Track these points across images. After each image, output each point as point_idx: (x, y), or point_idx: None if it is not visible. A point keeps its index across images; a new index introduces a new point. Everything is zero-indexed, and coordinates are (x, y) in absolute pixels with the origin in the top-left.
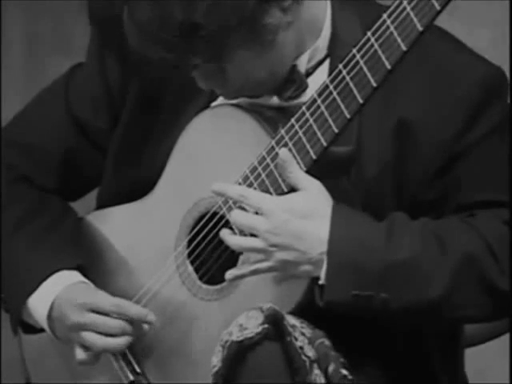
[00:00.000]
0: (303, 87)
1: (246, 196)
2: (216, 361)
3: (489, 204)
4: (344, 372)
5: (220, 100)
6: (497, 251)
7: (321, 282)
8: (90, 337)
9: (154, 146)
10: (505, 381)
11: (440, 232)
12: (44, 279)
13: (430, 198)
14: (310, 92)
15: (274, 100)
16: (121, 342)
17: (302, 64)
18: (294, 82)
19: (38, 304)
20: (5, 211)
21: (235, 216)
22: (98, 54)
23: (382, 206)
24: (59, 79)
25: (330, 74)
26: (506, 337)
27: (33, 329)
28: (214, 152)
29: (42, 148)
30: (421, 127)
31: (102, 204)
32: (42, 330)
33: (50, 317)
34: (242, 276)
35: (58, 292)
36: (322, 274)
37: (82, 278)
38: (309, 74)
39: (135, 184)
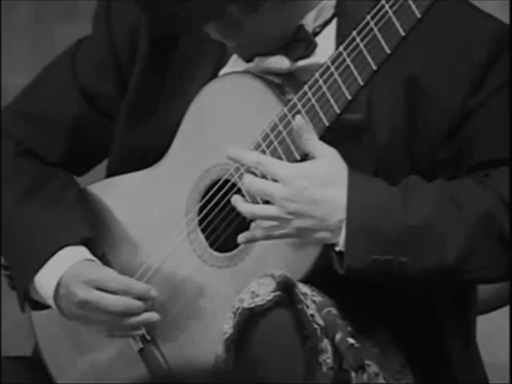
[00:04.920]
0: (312, 46)
1: (263, 163)
2: (227, 328)
3: (503, 162)
4: (351, 341)
5: (228, 68)
6: None
7: (339, 248)
8: (96, 318)
9: (163, 112)
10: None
11: (455, 193)
12: (50, 256)
13: (442, 158)
14: (319, 51)
15: (285, 63)
16: (128, 323)
17: (309, 23)
18: (302, 41)
19: (45, 282)
20: (8, 186)
21: (250, 182)
22: (104, 19)
23: (394, 170)
24: (66, 51)
25: (337, 34)
26: None
27: (40, 305)
28: (225, 120)
29: (50, 118)
30: (431, 87)
31: (111, 173)
32: (49, 307)
33: (56, 294)
34: (255, 240)
35: (64, 269)
36: (341, 240)
37: (89, 255)
38: (316, 33)
39: (144, 150)
